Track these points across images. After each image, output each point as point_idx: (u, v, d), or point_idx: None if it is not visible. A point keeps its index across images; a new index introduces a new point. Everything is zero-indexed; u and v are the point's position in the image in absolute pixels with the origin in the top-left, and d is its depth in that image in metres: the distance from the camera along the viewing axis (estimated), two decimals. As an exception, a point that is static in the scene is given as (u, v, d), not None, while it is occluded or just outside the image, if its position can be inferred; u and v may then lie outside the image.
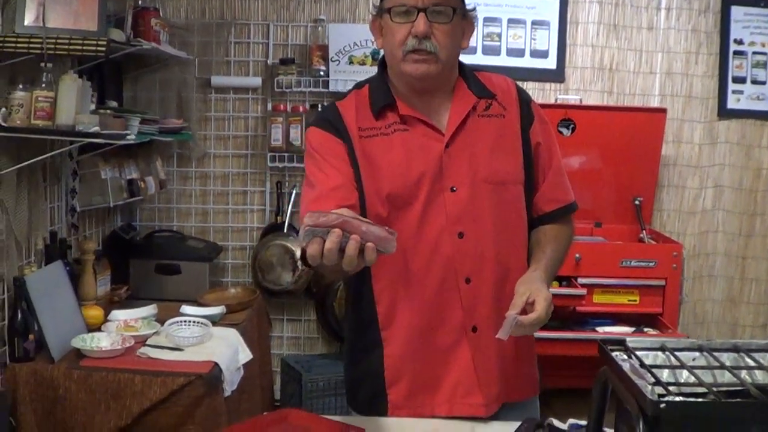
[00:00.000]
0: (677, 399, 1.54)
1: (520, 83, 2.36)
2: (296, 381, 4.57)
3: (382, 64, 2.26)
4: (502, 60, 4.72)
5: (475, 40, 4.71)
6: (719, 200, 4.97)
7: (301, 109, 4.68)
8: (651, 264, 4.34)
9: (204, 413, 3.07)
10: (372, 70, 4.36)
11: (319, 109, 4.31)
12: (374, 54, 4.56)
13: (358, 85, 2.29)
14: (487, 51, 4.75)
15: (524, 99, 2.30)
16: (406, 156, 2.18)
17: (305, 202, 2.16)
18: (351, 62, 4.60)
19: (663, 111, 4.68)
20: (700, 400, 1.55)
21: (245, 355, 3.59)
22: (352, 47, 4.60)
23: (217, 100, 4.79)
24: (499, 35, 4.72)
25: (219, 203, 4.88)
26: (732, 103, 4.87)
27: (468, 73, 2.27)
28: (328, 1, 4.74)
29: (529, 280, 2.09)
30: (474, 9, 2.21)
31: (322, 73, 4.64)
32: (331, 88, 4.63)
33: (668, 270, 4.40)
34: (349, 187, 2.14)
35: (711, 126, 4.91)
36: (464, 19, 2.17)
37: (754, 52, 4.87)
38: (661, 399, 1.47)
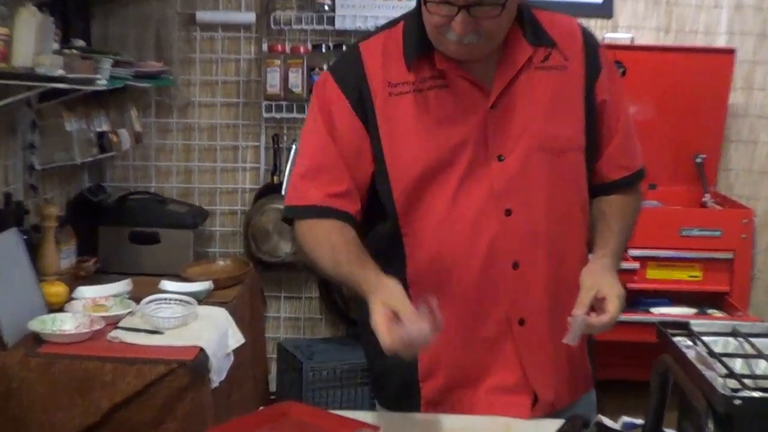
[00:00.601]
0: (754, 394, 1.55)
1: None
2: (295, 370, 4.63)
3: (419, 2, 2.19)
4: None
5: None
6: (798, 159, 5.02)
7: (301, 50, 4.71)
8: (716, 233, 4.34)
9: (187, 408, 3.08)
10: (385, 5, 4.52)
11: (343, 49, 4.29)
12: (390, -17, 4.61)
13: (391, 23, 2.26)
14: None
15: (591, 46, 2.28)
16: (443, 119, 2.17)
17: (296, 173, 2.24)
18: (360, -5, 4.68)
19: (731, 52, 4.67)
20: None
21: (236, 339, 3.64)
22: (361, -23, 4.68)
23: (203, 39, 4.84)
24: None
25: (205, 160, 4.95)
26: (814, 42, 4.88)
27: (526, 16, 2.22)
28: None
29: (598, 271, 2.09)
30: None
31: (326, 7, 4.67)
32: (338, 25, 4.68)
33: (737, 240, 4.40)
34: (340, 171, 2.17)
35: (789, 70, 4.95)
36: (503, 8, 2.09)
37: (839, -17, 4.86)
38: (735, 394, 1.49)
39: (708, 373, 1.57)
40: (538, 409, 2.21)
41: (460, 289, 2.17)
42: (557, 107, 2.20)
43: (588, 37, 2.28)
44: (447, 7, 1.99)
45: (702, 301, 4.40)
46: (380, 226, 2.23)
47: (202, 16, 4.76)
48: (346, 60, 2.24)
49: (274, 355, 4.94)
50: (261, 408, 2.14)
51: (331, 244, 2.13)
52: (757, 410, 1.50)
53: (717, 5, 4.86)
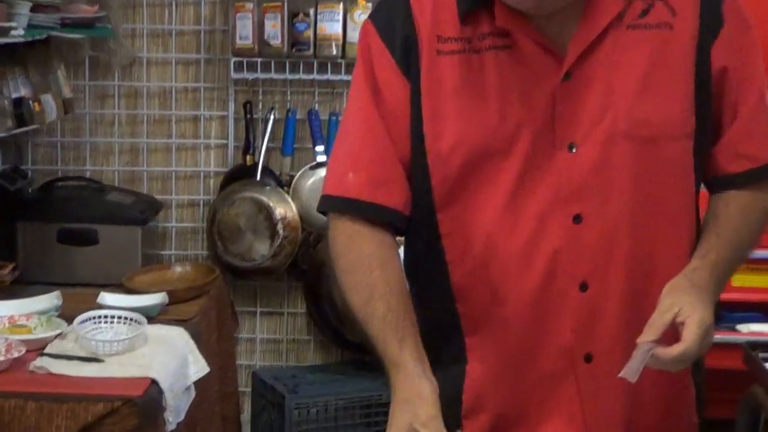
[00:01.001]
0: None
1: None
2: (275, 406, 4.55)
3: None
4: None
5: None
6: None
7: None
8: None
9: None
10: None
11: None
12: None
13: None
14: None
15: None
16: (501, 91, 2.12)
17: (342, 139, 2.26)
18: None
19: None
20: None
21: (198, 367, 3.61)
22: None
23: None
24: None
25: (157, 136, 4.88)
26: None
27: None
28: None
29: (683, 288, 2.00)
30: None
31: None
32: None
33: None
34: (387, 150, 2.17)
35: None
36: None
37: None
38: None
39: None
40: None
41: (513, 312, 2.14)
42: (655, 81, 2.12)
43: None
44: None
45: (738, 309, 4.37)
46: (416, 225, 2.22)
47: None
48: (389, 5, 2.21)
49: (248, 389, 4.85)
50: None
51: (371, 279, 2.14)
52: None
53: None
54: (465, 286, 2.16)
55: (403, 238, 2.31)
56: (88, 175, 4.72)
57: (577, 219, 2.08)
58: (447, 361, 2.21)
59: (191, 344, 3.62)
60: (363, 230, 2.16)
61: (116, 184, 4.74)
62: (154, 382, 3.16)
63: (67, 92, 4.41)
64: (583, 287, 2.09)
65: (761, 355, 1.80)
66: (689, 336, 1.88)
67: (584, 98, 2.10)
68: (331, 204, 2.21)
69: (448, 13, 2.14)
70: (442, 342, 2.24)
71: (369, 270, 2.14)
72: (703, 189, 2.24)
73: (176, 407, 3.32)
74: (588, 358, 2.14)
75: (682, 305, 1.93)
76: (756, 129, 2.20)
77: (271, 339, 5.04)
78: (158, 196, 4.76)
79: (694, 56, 2.14)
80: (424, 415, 1.94)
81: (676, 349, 1.89)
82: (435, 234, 2.17)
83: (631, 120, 2.08)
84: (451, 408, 2.18)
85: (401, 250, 2.34)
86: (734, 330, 4.22)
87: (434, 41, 2.13)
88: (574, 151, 2.08)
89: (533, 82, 2.09)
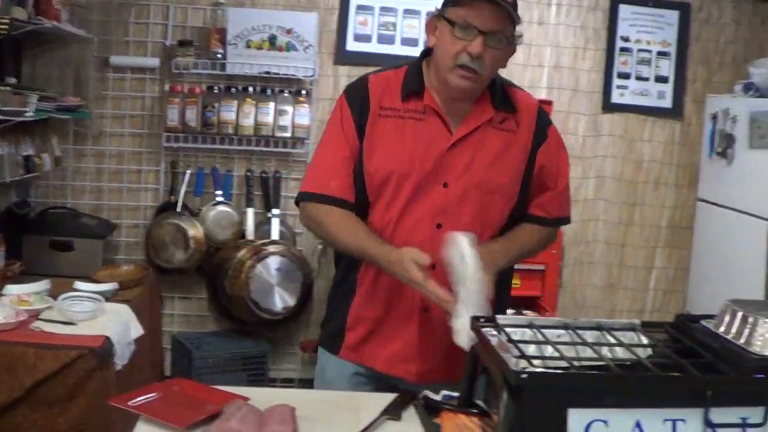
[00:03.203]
0: (538, 370, 1.73)
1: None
2: (186, 358, 4.91)
3: (423, 54, 2.58)
4: (397, 49, 5.21)
5: (371, 28, 5.23)
6: (601, 190, 5.61)
7: (197, 90, 5.03)
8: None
9: (95, 386, 3.28)
10: (269, 55, 4.94)
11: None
12: (271, 39, 5.05)
13: (397, 65, 2.61)
14: (383, 40, 5.26)
15: (542, 121, 2.61)
16: (412, 143, 2.48)
17: (318, 156, 2.61)
18: (248, 46, 5.05)
19: (549, 103, 5.24)
20: (559, 371, 1.76)
21: (136, 330, 3.86)
22: (250, 31, 5.04)
23: (115, 79, 5.11)
24: (395, 25, 5.22)
25: (114, 181, 5.19)
26: (616, 98, 5.52)
27: (497, 86, 2.56)
28: None
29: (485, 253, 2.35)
30: (521, 35, 2.50)
31: (219, 55, 5.02)
32: (228, 71, 5.04)
33: (548, 255, 5.01)
34: (348, 169, 2.53)
35: (595, 119, 5.54)
36: (509, 44, 2.45)
37: (639, 50, 5.51)
38: (523, 370, 1.67)
39: (504, 355, 1.74)
40: (425, 376, 2.52)
41: (389, 276, 2.47)
42: (501, 160, 2.52)
43: (541, 115, 2.62)
44: (470, 31, 2.36)
45: (519, 304, 4.89)
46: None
47: (115, 59, 5.05)
48: (357, 86, 2.59)
49: (169, 346, 5.16)
50: (154, 384, 2.35)
51: (351, 225, 2.50)
52: (540, 383, 1.65)
53: (540, 65, 5.45)
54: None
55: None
56: (69, 205, 5.01)
57: (439, 226, 2.46)
58: (345, 293, 2.63)
59: (132, 315, 3.88)
60: (335, 209, 2.51)
61: (87, 212, 5.01)
62: (107, 339, 3.41)
63: (58, 152, 4.71)
64: (433, 267, 2.36)
65: (481, 323, 1.94)
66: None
67: (459, 160, 2.48)
68: (314, 197, 2.56)
69: (391, 94, 2.52)
70: (346, 283, 2.64)
71: (348, 221, 2.49)
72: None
73: (122, 355, 3.56)
74: (426, 310, 2.51)
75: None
76: (556, 201, 2.65)
77: (184, 314, 5.32)
78: (114, 221, 5.07)
79: (527, 154, 2.55)
80: (416, 255, 2.29)
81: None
82: (366, 219, 2.54)
83: (482, 179, 2.48)
84: (341, 322, 2.62)
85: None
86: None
87: (378, 109, 2.51)
88: (446, 187, 2.47)
89: (433, 143, 2.48)
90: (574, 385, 1.70)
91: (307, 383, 5.08)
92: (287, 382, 5.40)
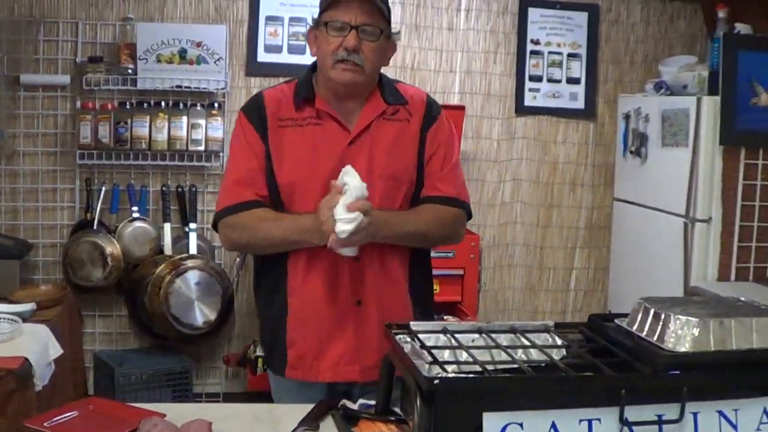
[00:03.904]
0: (450, 375, 1.76)
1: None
2: (109, 376, 4.96)
3: (312, 68, 2.75)
4: (308, 59, 5.08)
5: (281, 39, 5.40)
6: (517, 193, 5.81)
7: (109, 106, 5.12)
8: (450, 254, 5.03)
9: (15, 407, 3.30)
10: (180, 68, 5.07)
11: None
12: (181, 53, 5.18)
13: (289, 81, 2.78)
14: (293, 50, 5.43)
15: (431, 108, 2.79)
16: (313, 148, 2.64)
17: (228, 175, 2.75)
18: (159, 60, 5.15)
19: (462, 108, 5.41)
20: (471, 375, 1.80)
21: (55, 350, 3.90)
22: (159, 45, 5.14)
23: (26, 98, 5.17)
24: (305, 35, 5.33)
25: (29, 201, 5.25)
26: (529, 101, 5.73)
27: (386, 83, 2.76)
28: (136, 0, 5.25)
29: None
30: (398, 33, 2.79)
31: (130, 71, 5.12)
32: (139, 86, 5.14)
33: (466, 260, 5.15)
34: (261, 175, 2.67)
35: (509, 122, 5.74)
36: (388, 41, 2.69)
37: (550, 52, 5.73)
38: (435, 376, 1.70)
39: (417, 361, 1.77)
40: (368, 372, 2.63)
41: (319, 276, 2.64)
42: (397, 147, 2.71)
43: (431, 104, 2.80)
44: (343, 28, 2.56)
45: (440, 309, 4.94)
46: None
47: (25, 78, 5.11)
48: (253, 102, 2.76)
49: (92, 364, 5.20)
50: (71, 403, 2.41)
51: (270, 214, 2.64)
52: (453, 388, 1.69)
53: (452, 70, 5.65)
54: (293, 264, 2.69)
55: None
56: None
57: None
58: (276, 314, 2.74)
59: (50, 335, 3.91)
60: (255, 210, 2.66)
61: (3, 233, 5.03)
62: (26, 360, 3.45)
63: None
64: (356, 259, 2.59)
65: (394, 331, 2.01)
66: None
67: (359, 155, 2.64)
68: (231, 209, 2.69)
69: (287, 105, 2.69)
70: (275, 301, 2.74)
71: (265, 213, 2.64)
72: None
73: (41, 375, 3.58)
74: (358, 303, 2.66)
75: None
76: (445, 179, 2.76)
77: (105, 332, 5.38)
78: (31, 240, 5.10)
79: (418, 138, 2.73)
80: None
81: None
82: None
83: (383, 168, 2.65)
84: (281, 340, 2.73)
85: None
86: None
87: (276, 120, 2.67)
88: None
89: (333, 143, 2.65)
90: (487, 389, 1.74)
91: (232, 397, 5.31)
92: (212, 397, 5.50)
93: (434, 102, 2.85)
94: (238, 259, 5.29)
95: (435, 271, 2.92)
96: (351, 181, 2.45)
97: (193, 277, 5.04)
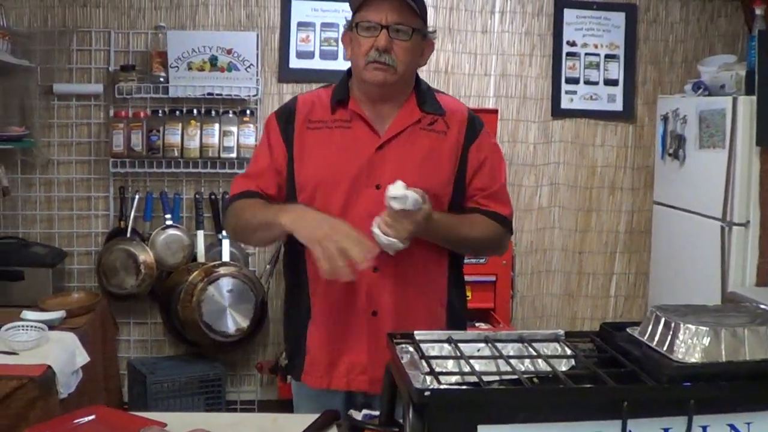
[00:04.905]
0: (442, 387, 1.69)
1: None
2: (141, 383, 4.98)
3: (349, 72, 2.72)
4: (340, 64, 5.30)
5: (313, 45, 5.38)
6: (555, 197, 5.72)
7: (141, 114, 5.15)
8: (482, 260, 4.98)
9: (38, 415, 3.33)
10: (211, 76, 5.08)
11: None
12: (212, 60, 5.18)
13: (326, 86, 2.78)
14: (325, 56, 5.41)
15: (473, 122, 2.73)
16: (340, 150, 2.61)
17: (245, 173, 2.79)
18: (190, 68, 5.17)
19: (495, 112, 5.34)
20: (464, 387, 1.74)
21: (83, 358, 3.93)
22: (190, 53, 5.16)
23: (60, 107, 5.23)
24: (337, 40, 5.35)
25: (63, 209, 5.31)
26: (565, 103, 5.63)
27: (425, 90, 2.72)
28: (168, 8, 5.29)
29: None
30: (434, 31, 2.71)
31: (162, 79, 5.14)
32: (171, 93, 5.15)
33: (498, 266, 5.10)
34: (272, 173, 2.66)
35: (545, 126, 5.65)
36: (424, 39, 2.65)
37: (587, 54, 5.63)
38: (427, 388, 1.64)
39: (412, 372, 1.71)
40: (377, 384, 2.41)
41: (334, 284, 2.53)
42: (431, 159, 2.64)
43: (473, 118, 2.74)
44: (374, 28, 2.53)
45: (473, 316, 4.94)
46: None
47: (59, 87, 5.15)
48: (286, 105, 2.76)
49: (126, 371, 5.23)
50: (74, 412, 2.43)
51: (253, 203, 2.63)
52: (444, 400, 1.63)
53: (486, 74, 5.58)
54: (312, 265, 2.57)
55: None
56: (20, 235, 5.13)
57: None
58: (300, 315, 2.72)
59: (78, 343, 3.93)
60: (251, 198, 2.65)
61: (38, 241, 5.13)
62: (49, 367, 3.50)
63: (5, 182, 4.76)
64: (375, 270, 2.53)
65: (396, 340, 1.93)
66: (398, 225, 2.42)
67: (389, 161, 2.59)
68: (233, 198, 2.70)
69: (320, 108, 2.67)
70: (299, 303, 2.71)
71: (252, 202, 2.62)
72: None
73: (66, 383, 3.61)
74: (374, 314, 2.61)
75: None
76: (497, 197, 2.72)
77: (140, 339, 5.41)
78: (66, 248, 5.17)
79: (458, 153, 2.66)
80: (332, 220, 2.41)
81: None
82: None
83: (414, 178, 2.50)
84: (299, 347, 2.71)
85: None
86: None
87: (305, 122, 2.65)
88: (379, 189, 2.52)
89: (361, 146, 2.60)
90: (481, 402, 1.68)
91: (267, 404, 5.30)
92: (247, 404, 5.49)
93: (476, 117, 2.79)
94: (268, 266, 5.24)
95: (466, 278, 2.89)
96: (409, 194, 2.38)
97: (225, 284, 5.02)
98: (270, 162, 2.70)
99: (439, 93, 2.78)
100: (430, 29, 2.69)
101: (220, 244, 5.28)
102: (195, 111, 5.24)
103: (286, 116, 2.72)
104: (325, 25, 5.40)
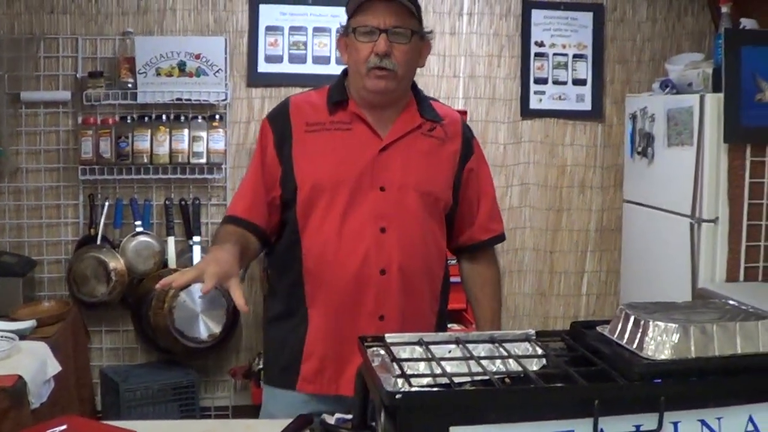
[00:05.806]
0: (413, 390, 1.68)
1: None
2: (114, 391, 4.95)
3: (344, 73, 2.71)
4: (309, 68, 5.34)
5: (282, 49, 5.37)
6: (525, 197, 5.73)
7: (110, 121, 5.11)
8: (452, 261, 4.86)
9: (9, 426, 3.25)
10: (180, 81, 5.04)
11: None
12: (180, 65, 5.14)
13: (315, 88, 2.77)
14: (294, 59, 5.39)
15: (467, 134, 2.77)
16: (342, 152, 2.60)
17: (239, 187, 2.78)
18: (158, 74, 5.12)
19: (464, 113, 5.33)
20: (434, 389, 1.73)
21: (54, 367, 3.87)
22: (159, 59, 5.12)
23: (28, 115, 5.18)
24: (305, 44, 5.35)
25: (33, 218, 5.26)
26: (534, 104, 5.64)
27: (422, 97, 2.74)
28: (135, 13, 5.23)
29: None
30: (431, 32, 2.70)
31: (130, 85, 5.10)
32: (140, 99, 5.11)
33: None
34: (261, 186, 2.66)
35: (515, 126, 5.65)
36: (422, 41, 2.64)
37: (555, 54, 5.64)
38: (398, 390, 1.62)
39: (383, 375, 1.69)
40: None
41: (342, 286, 2.56)
42: (433, 162, 2.67)
43: (466, 129, 2.79)
44: (372, 33, 2.50)
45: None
46: (285, 233, 2.68)
47: (26, 95, 5.11)
48: (278, 109, 2.75)
49: (99, 380, 5.20)
50: (47, 422, 2.36)
51: (224, 235, 2.59)
52: (416, 402, 1.61)
53: (455, 75, 5.57)
54: (311, 269, 2.59)
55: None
56: None
57: (383, 230, 2.56)
58: (293, 323, 2.67)
59: (49, 352, 3.87)
60: (230, 225, 2.64)
61: (7, 250, 5.07)
62: (20, 378, 3.43)
63: None
64: (382, 272, 2.55)
65: (367, 343, 1.91)
66: None
67: (392, 163, 2.59)
68: (224, 220, 2.70)
69: (316, 110, 2.66)
70: (291, 309, 2.67)
71: (226, 231, 2.60)
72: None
73: (37, 393, 3.57)
74: (381, 318, 2.59)
75: None
76: (495, 213, 2.81)
77: (112, 347, 5.37)
78: (35, 257, 5.13)
79: (457, 164, 2.71)
80: (211, 257, 2.37)
81: None
82: (297, 235, 2.63)
83: (418, 180, 2.61)
84: (295, 354, 2.66)
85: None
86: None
87: (304, 125, 2.63)
88: (383, 191, 2.57)
89: (363, 149, 2.60)
90: (453, 403, 1.65)
91: (241, 410, 5.26)
92: (221, 410, 5.46)
93: (467, 126, 2.84)
94: (240, 272, 5.18)
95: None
96: None
97: (197, 290, 4.88)
98: (260, 177, 2.69)
99: (433, 101, 2.82)
100: (426, 30, 2.69)
101: (191, 250, 5.25)
102: (164, 117, 5.20)
103: (281, 121, 2.70)
104: (294, 29, 5.37)
